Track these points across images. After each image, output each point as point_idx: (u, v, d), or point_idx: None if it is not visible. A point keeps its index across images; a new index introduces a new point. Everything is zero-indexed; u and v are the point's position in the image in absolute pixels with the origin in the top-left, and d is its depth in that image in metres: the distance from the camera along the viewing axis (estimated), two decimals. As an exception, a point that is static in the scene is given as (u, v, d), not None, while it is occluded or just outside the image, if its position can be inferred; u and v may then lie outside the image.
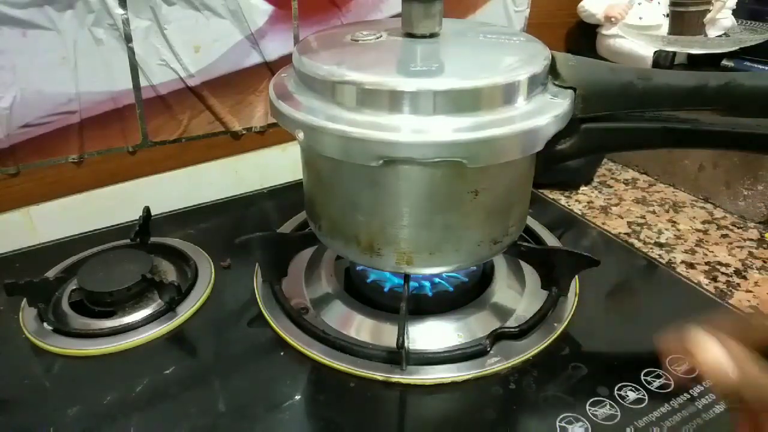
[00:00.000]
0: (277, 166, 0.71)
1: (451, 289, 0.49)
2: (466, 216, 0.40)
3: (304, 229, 0.53)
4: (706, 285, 0.55)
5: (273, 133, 0.72)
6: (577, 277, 0.50)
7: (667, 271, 0.54)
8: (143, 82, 0.61)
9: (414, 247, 0.40)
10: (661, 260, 0.58)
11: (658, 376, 0.41)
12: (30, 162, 0.59)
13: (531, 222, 0.59)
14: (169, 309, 0.48)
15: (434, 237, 0.40)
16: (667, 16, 0.84)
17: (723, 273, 0.57)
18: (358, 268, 0.50)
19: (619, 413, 0.38)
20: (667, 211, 0.69)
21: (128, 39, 0.59)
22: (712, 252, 0.61)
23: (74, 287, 0.50)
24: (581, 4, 0.88)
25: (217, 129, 0.68)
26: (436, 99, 0.34)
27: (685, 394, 0.40)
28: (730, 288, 0.55)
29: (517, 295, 0.50)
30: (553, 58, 0.40)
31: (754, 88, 0.37)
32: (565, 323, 0.46)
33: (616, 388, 0.40)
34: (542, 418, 0.38)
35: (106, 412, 0.39)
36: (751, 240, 0.63)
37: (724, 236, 0.64)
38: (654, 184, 0.76)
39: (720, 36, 0.83)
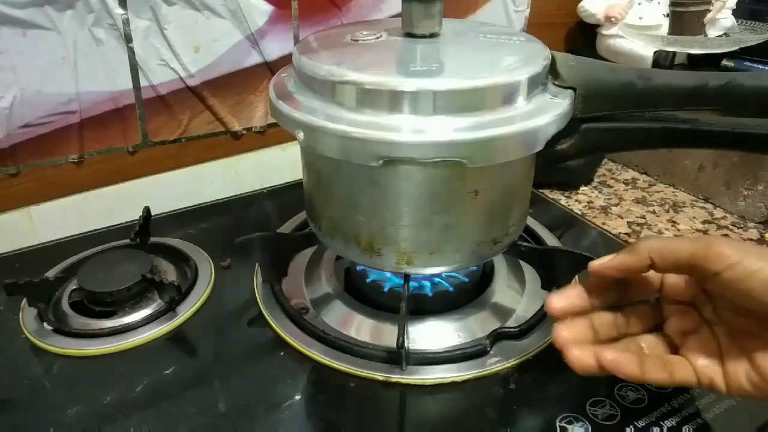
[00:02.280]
0: (277, 166, 0.72)
1: (451, 289, 0.49)
2: (466, 216, 0.40)
3: (304, 229, 0.53)
4: (706, 285, 0.55)
5: (273, 133, 0.72)
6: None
7: (667, 271, 0.54)
8: (143, 82, 0.62)
9: (414, 247, 0.40)
10: (661, 260, 0.58)
11: (658, 376, 0.41)
12: (30, 162, 0.59)
13: (531, 222, 0.59)
14: (169, 309, 0.48)
15: (434, 237, 0.40)
16: (667, 16, 0.84)
17: (723, 273, 0.57)
18: (358, 268, 0.50)
19: (619, 413, 0.38)
20: (667, 211, 0.69)
21: (128, 39, 0.59)
22: (712, 252, 0.61)
23: (74, 287, 0.50)
24: (581, 4, 0.88)
25: (217, 129, 0.68)
26: (436, 99, 0.34)
27: (685, 394, 0.40)
28: (730, 288, 0.55)
29: (517, 295, 0.50)
30: (553, 58, 0.40)
31: (754, 88, 0.37)
32: (565, 323, 0.46)
33: (616, 388, 0.40)
34: (542, 418, 0.38)
35: (106, 412, 0.39)
36: (751, 240, 0.63)
37: (724, 236, 0.64)
38: (654, 184, 0.76)
39: (720, 36, 0.83)
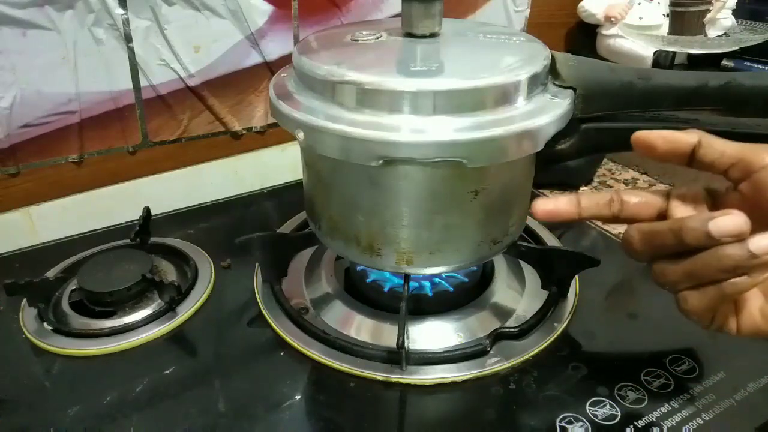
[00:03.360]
0: (277, 166, 0.72)
1: (451, 289, 0.49)
2: (466, 216, 0.40)
3: (304, 229, 0.53)
4: (706, 285, 0.55)
5: (273, 133, 0.72)
6: (577, 277, 0.50)
7: (667, 271, 0.54)
8: (143, 82, 0.61)
9: (414, 247, 0.40)
10: (661, 260, 0.58)
11: (658, 376, 0.41)
12: (30, 162, 0.59)
13: (531, 222, 0.58)
14: (169, 309, 0.48)
15: (434, 237, 0.40)
16: (667, 16, 0.84)
17: (723, 273, 0.57)
18: (358, 268, 0.50)
19: (619, 413, 0.38)
20: (667, 211, 0.69)
21: (128, 39, 0.59)
22: (712, 252, 0.61)
23: (74, 287, 0.50)
24: (581, 4, 0.88)
25: (217, 129, 0.68)
26: (436, 99, 0.34)
27: (685, 394, 0.40)
28: (730, 288, 0.55)
29: (517, 295, 0.50)
30: (553, 58, 0.40)
31: (754, 88, 0.37)
32: (565, 323, 0.46)
33: (616, 388, 0.40)
34: (542, 418, 0.38)
35: (106, 412, 0.39)
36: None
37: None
38: (654, 184, 0.76)
39: (720, 36, 0.83)
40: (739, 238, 0.28)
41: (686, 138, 0.32)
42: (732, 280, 0.29)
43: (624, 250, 0.33)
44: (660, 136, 0.32)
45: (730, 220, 0.28)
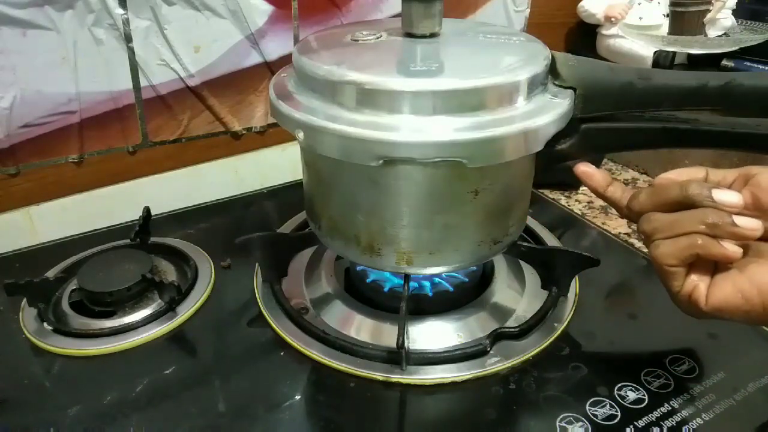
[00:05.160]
0: (277, 166, 0.72)
1: (451, 289, 0.49)
2: (466, 216, 0.40)
3: (304, 229, 0.53)
4: (706, 285, 0.55)
5: (273, 133, 0.72)
6: (577, 277, 0.50)
7: (667, 271, 0.54)
8: (143, 82, 0.62)
9: (414, 247, 0.40)
10: (661, 260, 0.58)
11: (658, 376, 0.41)
12: (30, 162, 0.59)
13: (531, 222, 0.59)
14: (169, 309, 0.48)
15: (434, 237, 0.40)
16: (667, 16, 0.84)
17: (723, 273, 0.57)
18: (358, 268, 0.50)
19: (619, 413, 0.38)
20: (667, 211, 0.69)
21: (128, 39, 0.59)
22: (712, 252, 0.61)
23: (74, 287, 0.50)
24: (581, 4, 0.88)
25: (217, 129, 0.68)
26: (436, 99, 0.34)
27: (685, 394, 0.40)
28: (730, 288, 0.55)
29: (517, 295, 0.50)
30: (553, 58, 0.40)
31: (754, 88, 0.37)
32: (565, 323, 0.46)
33: (616, 388, 0.40)
34: (542, 418, 0.38)
35: (106, 412, 0.39)
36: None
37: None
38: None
39: (720, 36, 0.83)
40: (731, 211, 0.32)
41: (696, 171, 0.37)
42: (704, 237, 0.32)
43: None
44: (682, 174, 0.37)
45: (734, 194, 0.33)
